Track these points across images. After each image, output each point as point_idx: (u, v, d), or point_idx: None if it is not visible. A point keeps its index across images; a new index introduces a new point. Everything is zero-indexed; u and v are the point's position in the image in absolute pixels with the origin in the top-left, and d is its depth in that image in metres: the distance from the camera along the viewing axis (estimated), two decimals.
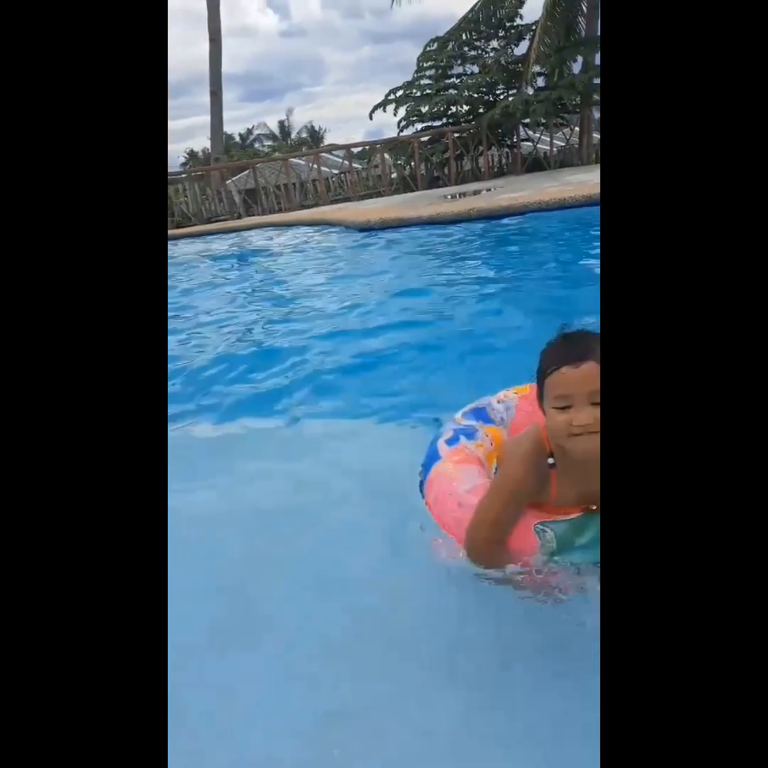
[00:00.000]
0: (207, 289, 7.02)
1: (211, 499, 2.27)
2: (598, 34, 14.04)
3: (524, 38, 15.66)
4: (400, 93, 16.64)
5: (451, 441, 1.81)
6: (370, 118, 17.06)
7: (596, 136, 16.19)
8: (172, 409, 3.07)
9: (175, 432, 2.86)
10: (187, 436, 2.89)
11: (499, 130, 15.49)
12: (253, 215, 15.02)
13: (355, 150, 18.30)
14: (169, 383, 3.50)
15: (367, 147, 17.72)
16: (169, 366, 3.76)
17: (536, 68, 14.12)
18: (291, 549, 1.89)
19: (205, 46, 16.65)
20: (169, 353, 3.98)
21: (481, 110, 15.85)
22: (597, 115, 16.40)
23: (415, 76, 16.79)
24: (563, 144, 16.44)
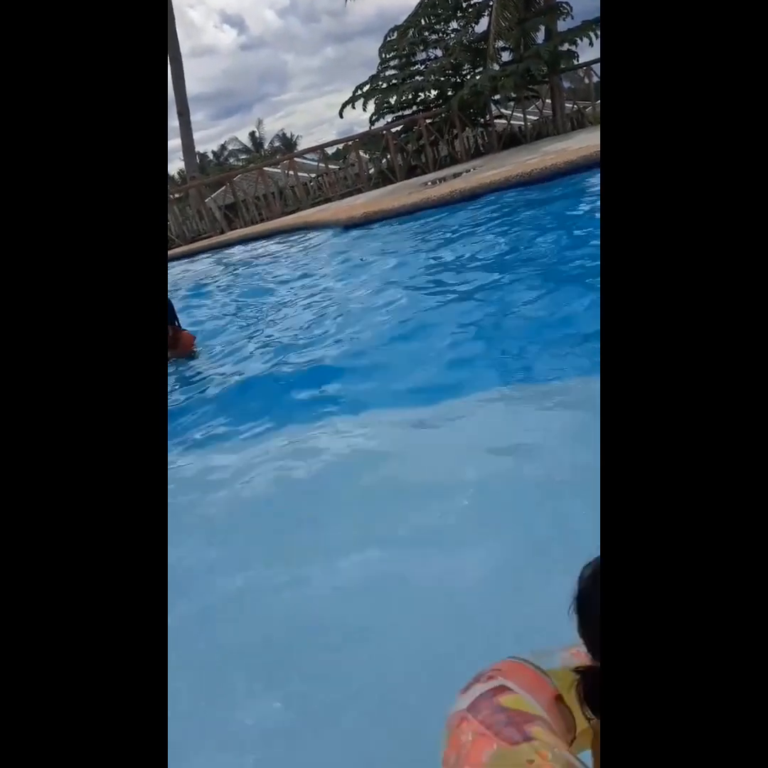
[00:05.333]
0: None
1: None
2: (557, 0, 13.92)
3: (483, 15, 15.55)
4: (366, 88, 16.56)
5: None
6: (341, 117, 17.00)
7: (569, 104, 16.06)
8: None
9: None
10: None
11: (471, 110, 15.37)
12: (236, 228, 14.99)
13: (330, 151, 18.24)
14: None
15: (340, 146, 17.62)
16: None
17: (499, 43, 13.99)
18: None
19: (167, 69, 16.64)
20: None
21: (449, 93, 15.75)
22: (566, 84, 16.25)
23: (380, 68, 16.71)
24: (537, 117, 16.31)
